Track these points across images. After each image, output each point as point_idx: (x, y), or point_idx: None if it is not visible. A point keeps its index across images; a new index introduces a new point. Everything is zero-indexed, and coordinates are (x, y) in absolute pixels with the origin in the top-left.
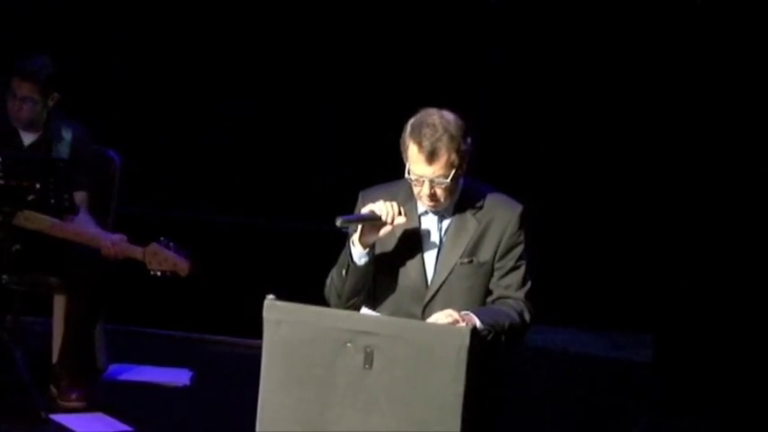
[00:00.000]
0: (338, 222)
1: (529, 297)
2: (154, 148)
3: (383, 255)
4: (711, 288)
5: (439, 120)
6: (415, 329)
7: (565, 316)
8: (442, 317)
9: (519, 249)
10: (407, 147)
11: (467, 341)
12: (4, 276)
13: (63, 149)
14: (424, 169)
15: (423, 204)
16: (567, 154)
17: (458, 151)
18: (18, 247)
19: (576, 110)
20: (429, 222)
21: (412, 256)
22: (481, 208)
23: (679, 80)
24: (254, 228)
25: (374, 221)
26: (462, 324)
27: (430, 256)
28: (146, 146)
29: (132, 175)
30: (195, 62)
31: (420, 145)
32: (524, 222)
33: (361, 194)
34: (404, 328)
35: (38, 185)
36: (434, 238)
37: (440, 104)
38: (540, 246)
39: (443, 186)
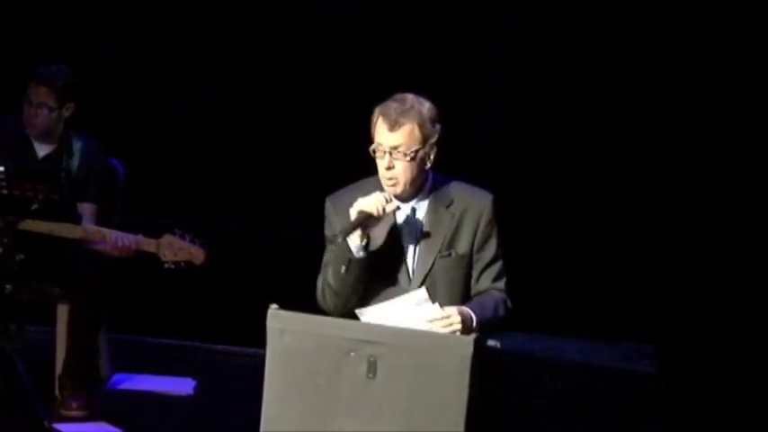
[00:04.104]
0: (339, 240)
1: (507, 287)
2: (156, 157)
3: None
4: (714, 298)
5: (411, 97)
6: (418, 338)
7: (566, 326)
8: (437, 315)
9: (494, 240)
10: (375, 120)
11: (470, 350)
12: (8, 286)
13: (73, 162)
14: (385, 137)
15: (385, 188)
16: (569, 166)
17: (421, 128)
18: (21, 256)
19: (574, 119)
20: (404, 218)
21: (393, 252)
22: (453, 200)
23: (686, 87)
24: (258, 237)
25: (368, 221)
26: (457, 318)
27: (410, 252)
28: (148, 155)
29: (135, 185)
30: (200, 69)
31: (385, 114)
32: (497, 210)
33: (328, 200)
34: (407, 337)
35: (41, 195)
36: (411, 233)
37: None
38: (542, 255)
39: (402, 162)
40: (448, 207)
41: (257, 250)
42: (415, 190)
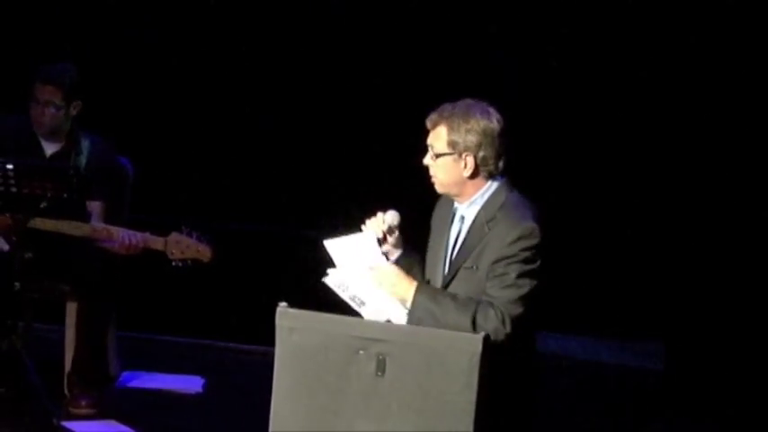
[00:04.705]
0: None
1: (510, 314)
2: (164, 155)
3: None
4: (722, 295)
5: (464, 103)
6: (427, 337)
7: (576, 324)
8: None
9: (511, 261)
10: None
11: (479, 348)
12: (17, 283)
13: (81, 160)
14: (429, 134)
15: None
16: (578, 164)
17: (450, 133)
18: (30, 254)
19: (584, 116)
20: (455, 224)
21: (438, 252)
22: (495, 217)
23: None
24: (266, 235)
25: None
26: (388, 270)
27: (447, 255)
28: (155, 153)
29: (143, 183)
30: (209, 67)
31: (432, 112)
32: (524, 240)
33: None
34: (416, 335)
35: (49, 193)
36: (453, 237)
37: None
38: (551, 254)
39: (432, 162)
40: (488, 222)
41: (266, 248)
42: (462, 195)
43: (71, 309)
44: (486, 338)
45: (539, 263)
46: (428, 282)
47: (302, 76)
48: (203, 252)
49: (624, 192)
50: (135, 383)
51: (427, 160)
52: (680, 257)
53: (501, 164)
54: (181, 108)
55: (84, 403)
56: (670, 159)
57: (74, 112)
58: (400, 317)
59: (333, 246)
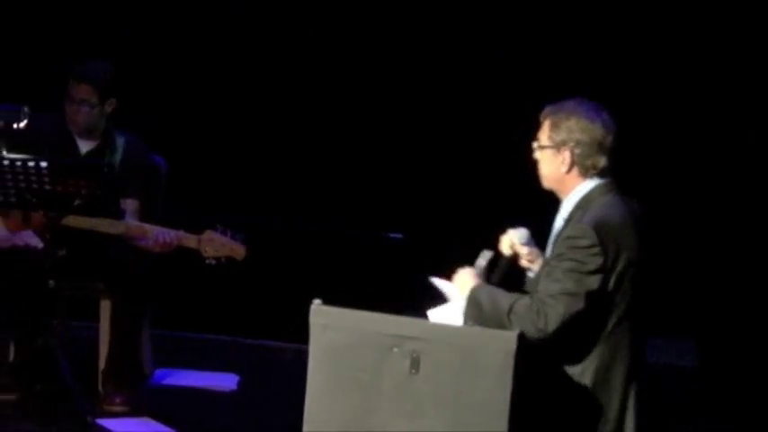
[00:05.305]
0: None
1: (547, 307)
2: (198, 153)
3: None
4: (755, 293)
5: (576, 100)
6: (461, 334)
7: None
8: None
9: (560, 259)
10: None
11: (513, 346)
12: (51, 281)
13: (116, 158)
14: None
15: None
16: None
17: (551, 129)
18: (64, 252)
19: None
20: (557, 220)
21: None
22: (573, 217)
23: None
24: (300, 232)
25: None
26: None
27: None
28: (189, 151)
29: (177, 180)
30: (244, 66)
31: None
32: (573, 240)
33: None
34: (450, 333)
35: (83, 191)
36: (552, 235)
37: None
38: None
39: (537, 154)
40: (568, 220)
41: (300, 246)
42: (562, 191)
43: (105, 306)
44: (521, 336)
45: (589, 265)
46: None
47: (327, 73)
48: (237, 250)
49: (655, 190)
50: (169, 381)
51: (535, 153)
52: (711, 254)
53: (601, 164)
54: (216, 106)
55: (118, 401)
56: (702, 159)
57: (108, 110)
58: None
59: (440, 284)
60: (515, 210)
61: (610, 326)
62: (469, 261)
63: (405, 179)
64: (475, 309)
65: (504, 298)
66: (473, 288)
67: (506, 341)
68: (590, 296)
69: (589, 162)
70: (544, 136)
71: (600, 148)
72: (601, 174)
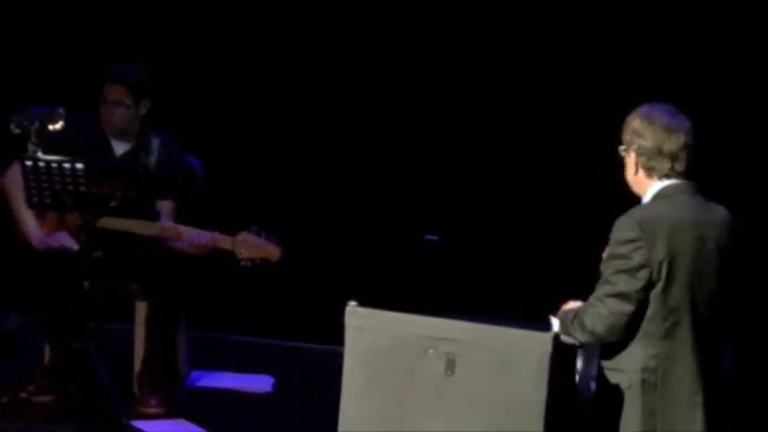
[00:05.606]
0: None
1: (597, 310)
2: (233, 155)
3: None
4: None
5: (652, 104)
6: (497, 336)
7: None
8: None
9: (608, 258)
10: None
11: (549, 348)
12: (86, 283)
13: (151, 159)
14: None
15: None
16: None
17: (626, 129)
18: (100, 253)
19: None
20: None
21: None
22: None
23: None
24: (336, 233)
25: None
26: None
27: None
28: (225, 152)
29: (212, 182)
30: (279, 66)
31: None
32: (613, 234)
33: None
34: (485, 334)
35: (119, 192)
36: None
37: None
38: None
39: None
40: None
41: (335, 247)
42: (639, 193)
43: (140, 308)
44: (556, 338)
45: (633, 260)
46: None
47: (367, 75)
48: (272, 252)
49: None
50: (204, 383)
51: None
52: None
53: (663, 167)
54: (252, 107)
55: (153, 402)
56: (743, 156)
57: (143, 111)
58: None
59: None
60: (546, 215)
61: (663, 328)
62: (504, 263)
63: (442, 180)
64: (562, 325)
65: (576, 310)
66: (563, 308)
67: (542, 343)
68: (638, 294)
69: (651, 164)
70: (623, 139)
71: (658, 151)
72: (671, 176)
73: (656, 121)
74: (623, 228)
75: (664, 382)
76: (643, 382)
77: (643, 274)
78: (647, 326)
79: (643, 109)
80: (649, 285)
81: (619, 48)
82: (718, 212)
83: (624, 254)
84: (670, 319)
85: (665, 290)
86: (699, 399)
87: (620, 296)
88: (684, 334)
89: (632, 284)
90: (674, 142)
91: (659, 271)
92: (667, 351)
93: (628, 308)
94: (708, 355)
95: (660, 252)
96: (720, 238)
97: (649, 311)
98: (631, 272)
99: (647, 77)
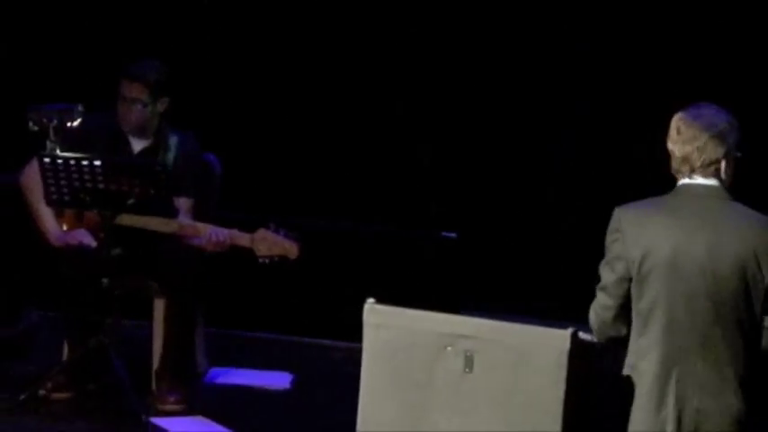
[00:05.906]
0: None
1: (597, 303)
2: (251, 152)
3: None
4: None
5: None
6: (515, 333)
7: None
8: None
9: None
10: None
11: (567, 345)
12: (105, 280)
13: (169, 156)
14: None
15: None
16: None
17: (670, 132)
18: (118, 250)
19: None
20: None
21: None
22: None
23: None
24: (355, 231)
25: None
26: None
27: None
28: (243, 149)
29: (231, 179)
30: (296, 64)
31: None
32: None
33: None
34: (504, 331)
35: (137, 190)
36: None
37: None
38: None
39: None
40: None
41: (353, 244)
42: None
43: (159, 305)
44: (575, 335)
45: (610, 252)
46: None
47: (382, 77)
48: (290, 249)
49: None
50: (222, 380)
51: None
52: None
53: (681, 167)
54: (269, 104)
55: (171, 399)
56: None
57: (161, 108)
58: None
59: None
60: (564, 210)
61: (637, 325)
62: (522, 259)
63: (459, 177)
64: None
65: None
66: None
67: (560, 340)
68: (615, 287)
69: (675, 166)
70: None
71: (675, 154)
72: (693, 176)
73: (702, 121)
74: (612, 219)
75: (635, 379)
76: (627, 379)
77: (620, 267)
78: (633, 322)
79: (681, 111)
80: (628, 279)
81: (633, 34)
82: (742, 219)
83: (606, 245)
84: (642, 316)
85: (639, 286)
86: (671, 396)
87: (602, 289)
88: (658, 331)
89: (610, 276)
90: (688, 144)
91: (635, 266)
92: (637, 349)
93: (608, 301)
94: (696, 352)
95: (636, 247)
96: (727, 245)
97: (632, 305)
98: (610, 263)
99: (660, 64)
